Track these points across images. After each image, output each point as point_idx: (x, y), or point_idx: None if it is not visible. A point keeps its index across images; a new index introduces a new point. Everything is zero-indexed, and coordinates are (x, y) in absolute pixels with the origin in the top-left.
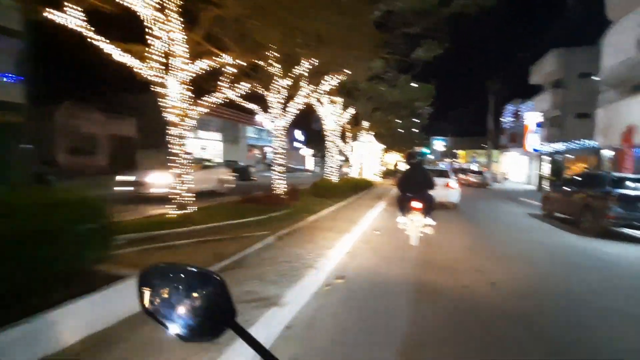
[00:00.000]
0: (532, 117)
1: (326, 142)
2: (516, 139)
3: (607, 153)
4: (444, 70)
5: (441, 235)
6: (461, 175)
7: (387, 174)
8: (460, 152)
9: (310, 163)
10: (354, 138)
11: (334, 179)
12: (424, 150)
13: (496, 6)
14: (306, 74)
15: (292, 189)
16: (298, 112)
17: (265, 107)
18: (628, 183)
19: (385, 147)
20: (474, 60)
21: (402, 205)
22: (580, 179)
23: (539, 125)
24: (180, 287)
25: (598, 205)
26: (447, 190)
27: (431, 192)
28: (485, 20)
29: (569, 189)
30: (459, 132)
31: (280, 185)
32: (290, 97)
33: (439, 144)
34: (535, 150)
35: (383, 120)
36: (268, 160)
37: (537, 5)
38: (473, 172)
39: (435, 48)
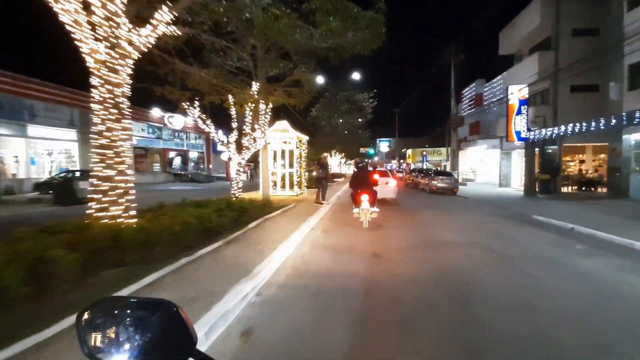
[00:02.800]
0: (516, 93)
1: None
2: (479, 129)
3: None
4: (386, 63)
5: None
6: (421, 179)
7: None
8: (409, 152)
9: (235, 169)
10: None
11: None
12: (370, 151)
13: None
14: None
15: None
16: None
17: None
18: None
19: (308, 142)
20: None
21: (355, 199)
22: None
23: (524, 103)
24: (129, 321)
25: None
26: (387, 187)
27: (375, 189)
28: None
29: None
30: (405, 131)
31: None
32: None
33: (384, 146)
34: (521, 139)
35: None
36: (176, 169)
37: None
38: (440, 173)
39: None
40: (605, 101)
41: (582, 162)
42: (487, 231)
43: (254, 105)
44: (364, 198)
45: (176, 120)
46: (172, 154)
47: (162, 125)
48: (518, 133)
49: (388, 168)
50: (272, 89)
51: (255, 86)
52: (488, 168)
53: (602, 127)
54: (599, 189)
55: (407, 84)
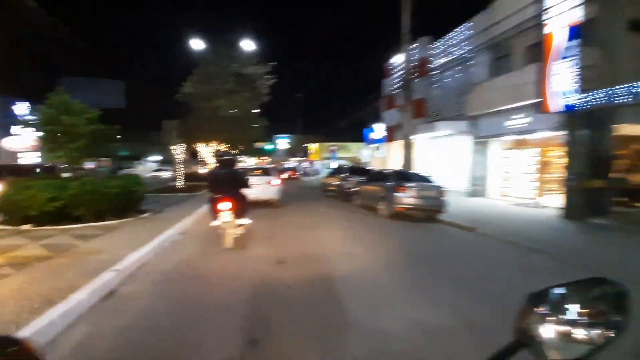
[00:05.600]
0: (561, 17)
1: None
2: (423, 110)
3: None
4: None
5: None
6: (364, 188)
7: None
8: (312, 147)
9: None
10: None
11: None
12: (267, 147)
13: None
14: None
15: None
16: None
17: None
18: None
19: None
20: None
21: (214, 207)
22: None
23: (575, 35)
24: None
25: None
26: (269, 187)
27: (253, 190)
28: None
29: None
30: (308, 128)
31: None
32: None
33: (283, 142)
34: (569, 107)
35: None
36: None
37: None
38: (411, 178)
39: None
40: None
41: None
42: None
43: None
44: (224, 206)
45: None
46: None
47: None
48: (561, 96)
49: (265, 166)
50: None
51: None
52: (438, 166)
53: None
54: None
55: (313, 69)
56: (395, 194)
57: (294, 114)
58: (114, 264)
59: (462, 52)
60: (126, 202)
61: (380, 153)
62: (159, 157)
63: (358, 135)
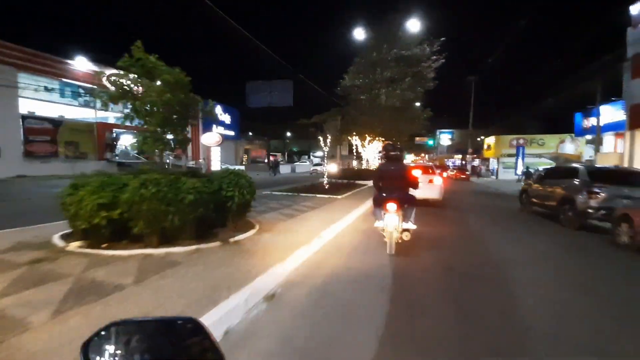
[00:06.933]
0: None
1: None
2: None
3: None
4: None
5: None
6: None
7: None
8: (489, 141)
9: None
10: None
11: None
12: (429, 142)
13: None
14: None
15: None
16: None
17: None
18: None
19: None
20: None
21: (379, 207)
22: None
23: None
24: (144, 346)
25: None
26: (431, 186)
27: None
28: None
29: None
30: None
31: None
32: None
33: (445, 138)
34: None
35: None
36: (128, 155)
37: None
38: None
39: None
40: None
41: None
42: None
43: None
44: (391, 208)
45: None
46: (116, 134)
47: (97, 88)
48: None
49: (426, 163)
50: None
51: None
52: None
53: None
54: None
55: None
56: None
57: (462, 104)
58: None
59: None
60: (214, 213)
61: (605, 147)
62: (321, 153)
63: (551, 125)
